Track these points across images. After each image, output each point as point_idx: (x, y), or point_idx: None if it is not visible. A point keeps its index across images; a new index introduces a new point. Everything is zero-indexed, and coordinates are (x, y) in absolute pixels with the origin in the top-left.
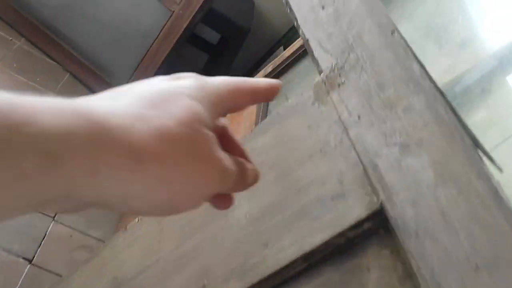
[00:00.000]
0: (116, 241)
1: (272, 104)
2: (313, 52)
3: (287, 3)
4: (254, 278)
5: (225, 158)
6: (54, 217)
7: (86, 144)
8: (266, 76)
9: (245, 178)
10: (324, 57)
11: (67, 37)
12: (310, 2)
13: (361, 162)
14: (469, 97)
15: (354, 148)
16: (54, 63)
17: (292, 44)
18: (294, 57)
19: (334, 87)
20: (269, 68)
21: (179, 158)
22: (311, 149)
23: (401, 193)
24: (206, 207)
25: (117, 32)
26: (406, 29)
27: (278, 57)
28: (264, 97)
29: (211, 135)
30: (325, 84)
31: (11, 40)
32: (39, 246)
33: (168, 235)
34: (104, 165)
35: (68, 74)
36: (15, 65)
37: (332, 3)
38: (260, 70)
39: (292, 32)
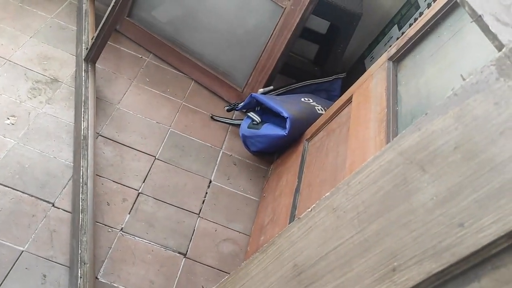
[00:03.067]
0: (290, 230)
1: (401, 84)
2: (488, 27)
3: None
4: (452, 258)
5: None
6: (199, 213)
7: None
8: (391, 57)
9: None
10: (505, 31)
11: (188, 47)
12: None
13: None
14: None
15: None
16: (180, 73)
17: (416, 23)
18: (419, 35)
19: None
20: (392, 49)
21: None
22: (502, 126)
23: None
24: (382, 195)
25: (232, 35)
26: None
27: (401, 37)
28: None
29: None
30: (509, 58)
31: (141, 57)
32: (190, 241)
33: (344, 222)
34: None
35: (193, 81)
36: (147, 79)
37: None
38: (375, 53)
39: (406, 9)
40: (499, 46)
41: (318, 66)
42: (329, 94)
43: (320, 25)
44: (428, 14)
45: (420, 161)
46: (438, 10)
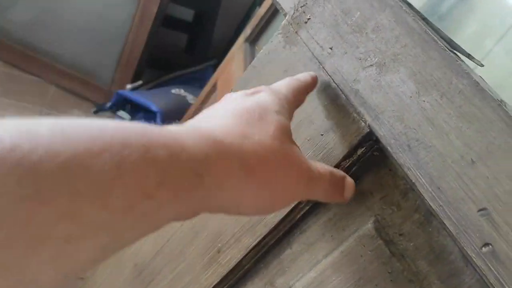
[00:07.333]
0: None
1: None
2: None
3: None
4: (264, 229)
5: (312, 166)
6: None
7: (216, 162)
8: (247, 38)
9: (339, 188)
10: None
11: (43, 49)
12: None
13: (342, 92)
14: (457, 13)
15: (333, 80)
16: (37, 78)
17: (265, 2)
18: (270, 13)
19: (301, 25)
20: (248, 30)
21: (275, 168)
22: None
23: (387, 111)
24: None
25: (90, 31)
26: None
27: (254, 17)
28: (311, 89)
29: (296, 146)
30: (291, 25)
31: None
32: None
33: None
34: (227, 179)
35: (54, 85)
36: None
37: None
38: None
39: None
40: (285, 15)
41: (189, 55)
42: (203, 82)
43: (186, 13)
44: None
45: None
46: None
